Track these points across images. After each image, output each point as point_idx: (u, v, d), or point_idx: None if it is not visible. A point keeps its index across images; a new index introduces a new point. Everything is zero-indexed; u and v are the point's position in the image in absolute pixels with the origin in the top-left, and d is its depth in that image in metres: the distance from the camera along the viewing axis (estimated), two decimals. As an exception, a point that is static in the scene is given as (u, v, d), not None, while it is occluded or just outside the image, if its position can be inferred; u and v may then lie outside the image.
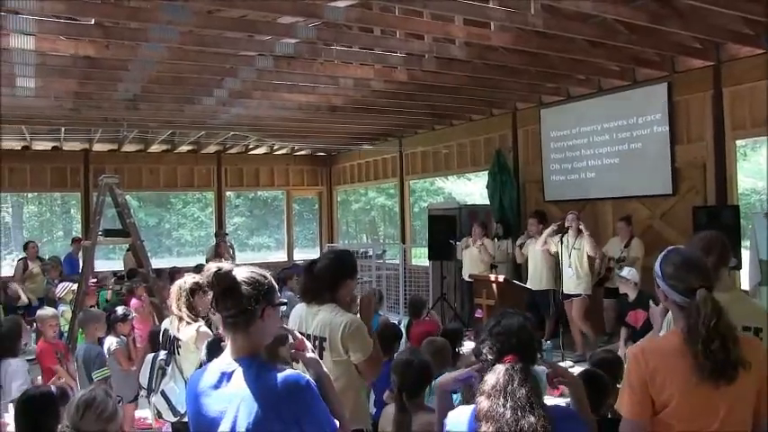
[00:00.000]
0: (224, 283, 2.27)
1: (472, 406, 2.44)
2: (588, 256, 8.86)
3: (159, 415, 4.70)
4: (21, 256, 12.63)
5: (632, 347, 2.69)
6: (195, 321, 4.52)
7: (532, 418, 2.23)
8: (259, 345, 2.33)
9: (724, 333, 2.43)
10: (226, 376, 2.27)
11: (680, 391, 2.47)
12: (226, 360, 2.32)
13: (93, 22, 6.38)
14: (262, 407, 2.16)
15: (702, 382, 2.43)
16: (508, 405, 2.25)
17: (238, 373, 2.24)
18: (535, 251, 9.66)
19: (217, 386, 2.28)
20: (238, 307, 2.26)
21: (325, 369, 2.52)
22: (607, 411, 3.55)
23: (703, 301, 2.48)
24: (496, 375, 2.32)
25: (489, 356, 2.42)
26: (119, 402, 3.08)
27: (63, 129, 12.68)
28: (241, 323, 2.27)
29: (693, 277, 2.55)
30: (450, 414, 2.52)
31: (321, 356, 3.41)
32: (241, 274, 2.30)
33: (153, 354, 4.88)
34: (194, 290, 4.53)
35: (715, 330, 2.43)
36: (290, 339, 2.65)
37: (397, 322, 8.15)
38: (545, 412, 2.28)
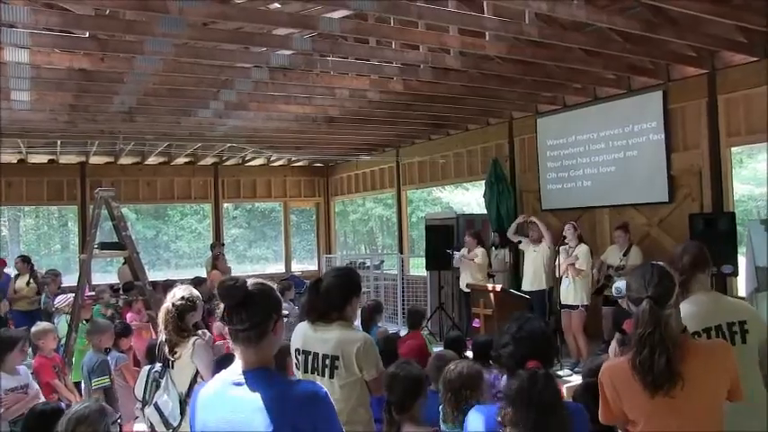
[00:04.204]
0: (239, 296, 2.25)
1: (488, 406, 2.50)
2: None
3: (152, 428, 4.64)
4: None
5: (604, 364, 2.80)
6: (188, 338, 4.42)
7: (555, 422, 2.31)
8: (270, 356, 2.32)
9: (654, 343, 2.50)
10: (237, 388, 2.24)
11: (636, 404, 2.58)
12: (236, 372, 2.29)
13: (87, 35, 6.38)
14: (278, 417, 2.14)
15: (652, 394, 2.50)
16: (532, 409, 2.30)
17: (252, 385, 2.22)
18: (532, 253, 9.73)
19: (228, 398, 2.25)
20: (252, 320, 2.25)
21: None
22: None
23: (642, 311, 2.57)
24: (521, 381, 2.37)
25: (511, 361, 2.47)
26: (117, 419, 3.04)
27: (59, 142, 12.67)
28: (254, 336, 2.26)
29: (643, 288, 2.63)
30: (470, 414, 2.58)
31: (332, 375, 3.41)
32: (253, 287, 2.29)
33: (148, 366, 4.83)
34: (184, 311, 4.42)
35: (649, 339, 2.51)
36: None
37: (397, 332, 8.12)
38: (566, 413, 2.33)
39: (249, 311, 2.24)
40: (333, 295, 3.51)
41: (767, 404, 3.08)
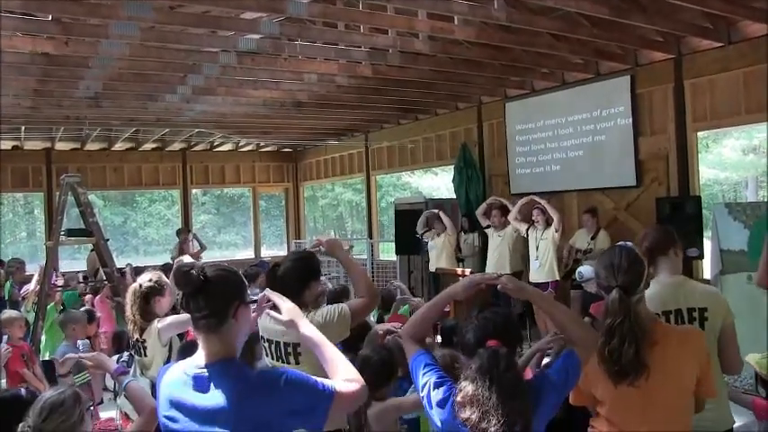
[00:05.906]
0: (194, 283, 2.17)
1: (439, 390, 2.43)
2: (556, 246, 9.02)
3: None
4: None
5: None
6: (151, 323, 4.38)
7: (518, 403, 2.21)
8: (233, 346, 2.23)
9: (624, 333, 2.51)
10: (200, 384, 2.16)
11: (605, 391, 2.60)
12: (198, 364, 2.20)
13: (50, 19, 6.24)
14: (239, 415, 2.07)
15: (616, 383, 2.52)
16: (494, 389, 2.20)
17: (214, 380, 2.14)
18: (497, 238, 9.81)
19: (191, 395, 2.17)
20: (210, 307, 2.16)
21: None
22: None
23: (612, 300, 2.57)
24: (481, 359, 2.28)
25: (471, 340, 2.39)
26: (91, 405, 2.98)
27: (23, 128, 12.44)
28: (213, 324, 2.17)
29: (612, 276, 2.63)
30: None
31: (297, 361, 3.36)
32: (210, 272, 2.20)
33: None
34: (148, 294, 4.38)
35: (619, 329, 2.51)
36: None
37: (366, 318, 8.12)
38: (529, 396, 2.28)
39: (207, 298, 2.17)
40: (290, 280, 3.45)
41: (722, 392, 3.12)
